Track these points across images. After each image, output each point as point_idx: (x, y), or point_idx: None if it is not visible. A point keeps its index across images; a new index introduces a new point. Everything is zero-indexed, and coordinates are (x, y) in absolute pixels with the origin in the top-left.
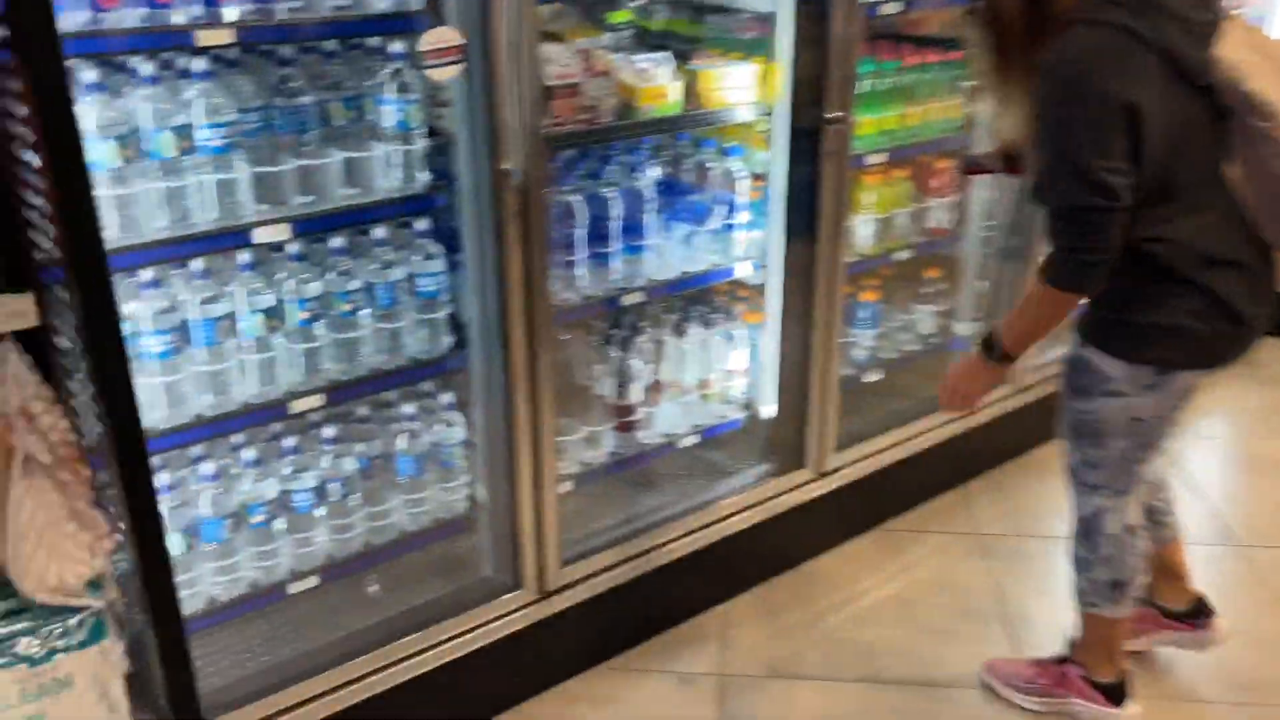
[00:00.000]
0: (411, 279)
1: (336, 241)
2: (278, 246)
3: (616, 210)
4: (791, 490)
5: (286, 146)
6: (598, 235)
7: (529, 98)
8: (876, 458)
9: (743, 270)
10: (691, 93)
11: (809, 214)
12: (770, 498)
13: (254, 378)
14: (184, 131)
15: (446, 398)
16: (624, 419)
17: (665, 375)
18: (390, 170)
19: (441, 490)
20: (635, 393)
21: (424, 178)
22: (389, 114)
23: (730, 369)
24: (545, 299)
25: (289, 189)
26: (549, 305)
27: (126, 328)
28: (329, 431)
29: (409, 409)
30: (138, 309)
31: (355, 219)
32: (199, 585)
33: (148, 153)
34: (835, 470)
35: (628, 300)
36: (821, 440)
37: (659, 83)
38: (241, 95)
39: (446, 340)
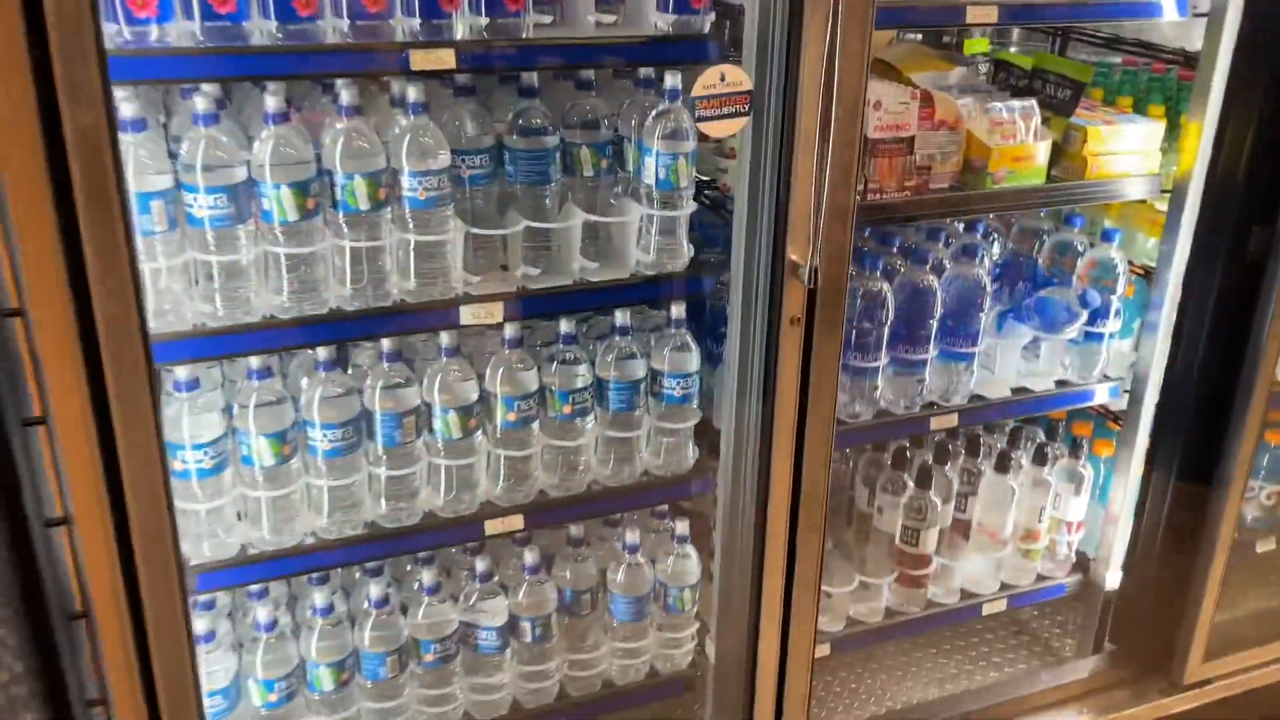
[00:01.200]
0: (656, 378)
1: (565, 326)
2: (488, 327)
3: (938, 303)
4: (1140, 704)
5: (512, 202)
6: (909, 334)
7: (841, 158)
8: (1269, 670)
9: (1103, 394)
10: (1064, 155)
11: (1225, 329)
12: (1108, 712)
13: (443, 487)
14: (379, 178)
15: (681, 526)
16: (912, 569)
17: (976, 518)
18: (646, 239)
19: (662, 639)
20: (931, 538)
21: (686, 252)
22: (651, 168)
23: (1065, 518)
24: (826, 413)
25: (512, 256)
26: (830, 421)
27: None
28: (530, 558)
29: (632, 537)
30: (307, 395)
31: (593, 300)
32: None
33: (336, 203)
34: (1206, 683)
35: (939, 422)
36: (1192, 634)
37: (1021, 140)
38: (462, 133)
39: (690, 455)
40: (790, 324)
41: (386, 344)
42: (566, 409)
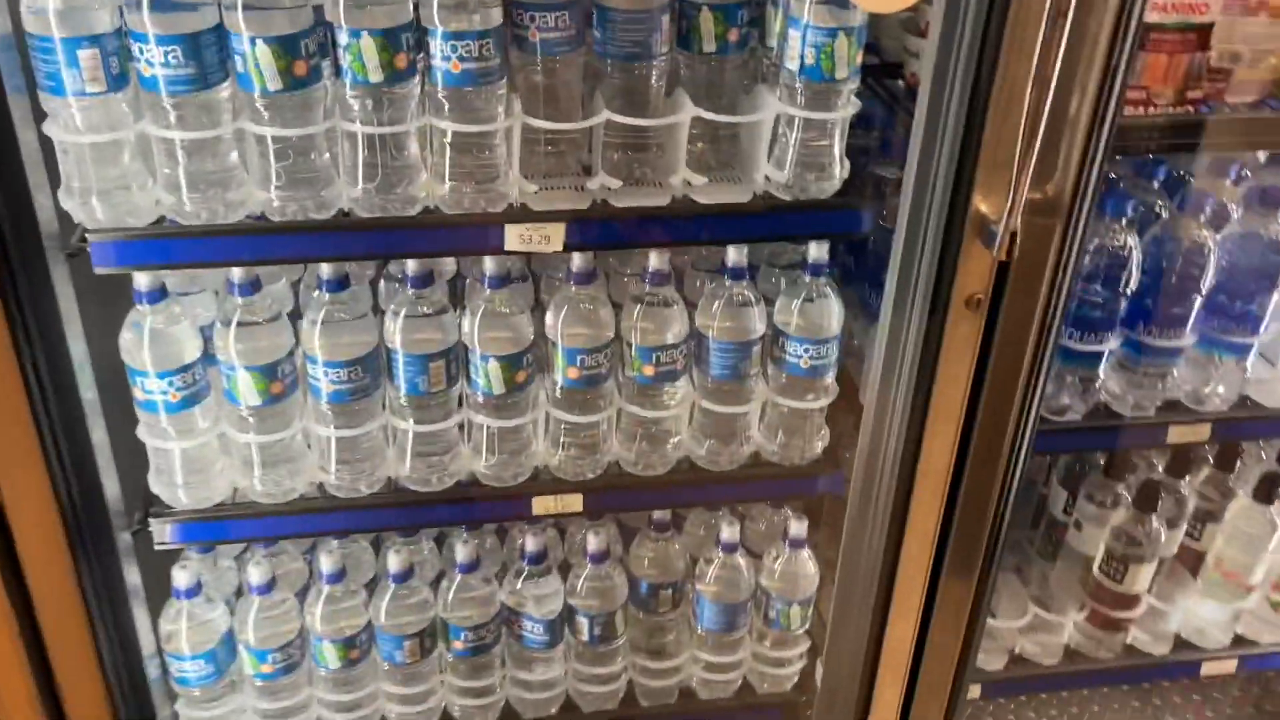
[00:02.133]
0: (779, 339)
1: (654, 260)
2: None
3: (1210, 269)
4: None
5: (598, 81)
6: (1157, 310)
7: (1085, 48)
8: None
9: None
10: None
11: None
12: None
13: (484, 449)
14: (400, 37)
15: (796, 525)
16: (1111, 609)
17: (1214, 552)
18: (781, 148)
19: (761, 655)
20: (1144, 575)
21: (838, 172)
22: (796, 46)
23: None
24: (1008, 405)
25: (593, 158)
26: (1015, 414)
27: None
28: (595, 543)
29: (729, 534)
30: (307, 321)
31: (695, 229)
32: None
33: (340, 70)
34: None
35: (1182, 433)
36: None
37: None
38: None
39: (818, 441)
40: (965, 305)
41: (412, 265)
42: (648, 369)
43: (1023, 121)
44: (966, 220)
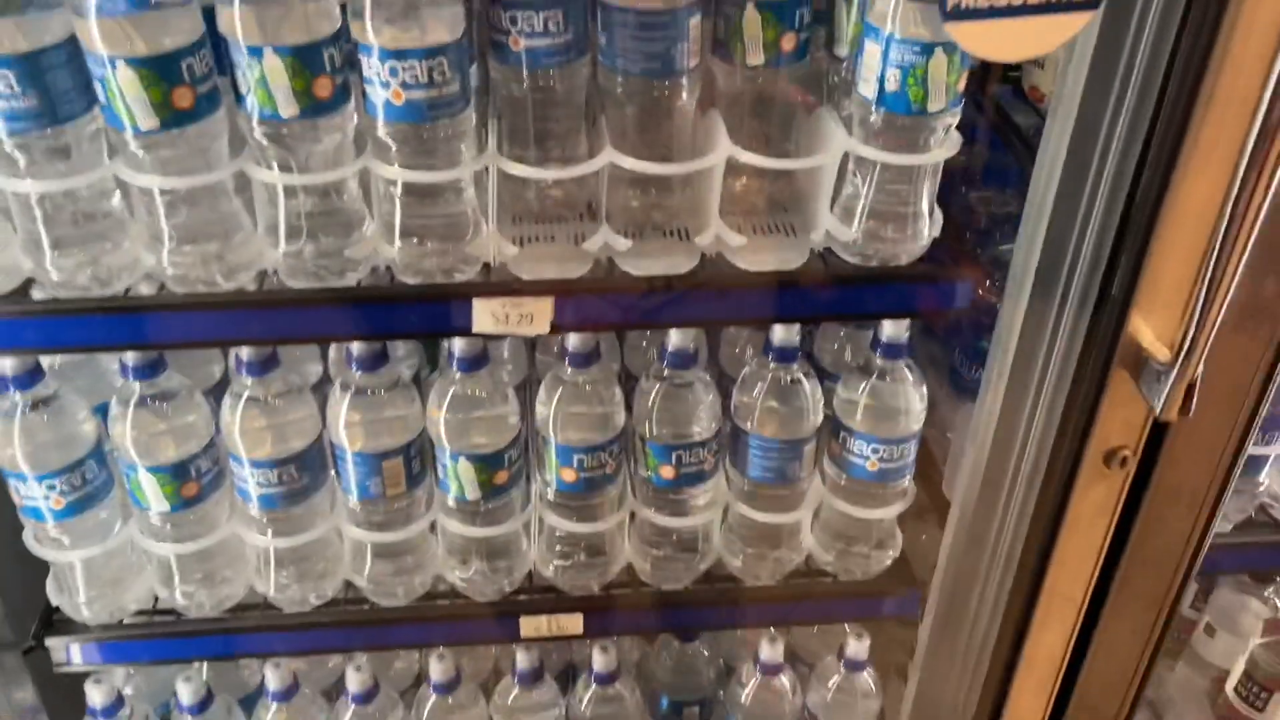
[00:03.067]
0: (839, 434)
1: (676, 338)
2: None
3: None
4: None
5: (606, 103)
6: None
7: None
8: None
9: None
10: None
11: None
12: None
13: (455, 560)
14: (319, 56)
15: (856, 645)
16: None
17: None
18: (850, 197)
19: None
20: None
21: (925, 231)
22: (875, 65)
23: None
24: (1153, 594)
25: (600, 207)
26: (1161, 607)
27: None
28: (601, 661)
29: (771, 652)
30: (225, 412)
31: (727, 306)
32: None
33: (240, 97)
34: None
35: None
36: None
37: None
38: None
39: (886, 552)
40: (1103, 462)
41: (357, 347)
42: (666, 470)
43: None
44: (1116, 347)
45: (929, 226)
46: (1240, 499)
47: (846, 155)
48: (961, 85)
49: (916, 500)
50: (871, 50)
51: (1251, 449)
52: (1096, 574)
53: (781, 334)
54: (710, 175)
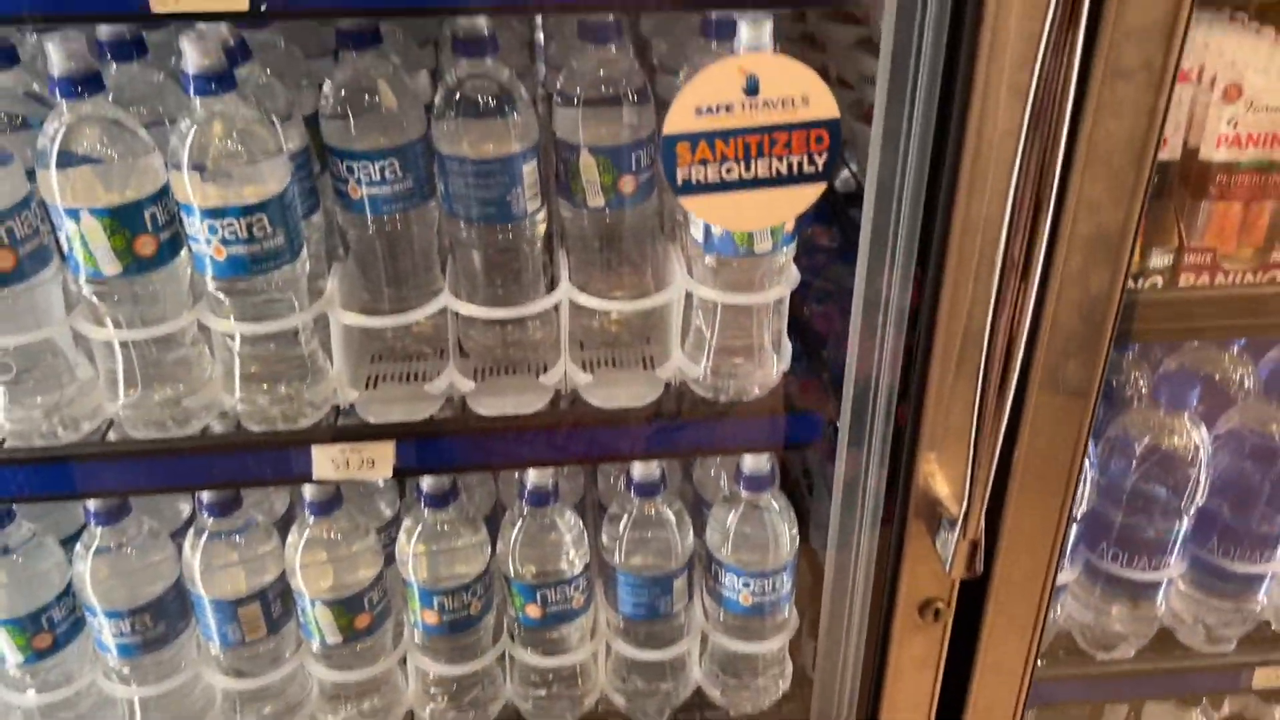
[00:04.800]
0: (711, 567)
1: (534, 477)
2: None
3: None
4: None
5: (455, 249)
6: (1239, 525)
7: (1103, 211)
8: None
9: None
10: None
11: None
12: None
13: (325, 702)
14: (138, 216)
15: None
16: None
17: None
18: (697, 336)
19: None
20: None
21: (773, 363)
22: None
23: None
24: (1012, 675)
25: (418, 345)
26: (1016, 683)
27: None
28: None
29: None
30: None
31: (577, 445)
32: None
33: (65, 256)
34: None
35: (1267, 677)
36: None
37: None
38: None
39: (776, 684)
40: (919, 613)
41: (207, 495)
42: (533, 610)
43: (984, 355)
44: (909, 498)
45: (777, 361)
46: (1139, 622)
47: (687, 298)
48: (790, 226)
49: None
50: None
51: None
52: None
53: (640, 470)
54: (556, 316)
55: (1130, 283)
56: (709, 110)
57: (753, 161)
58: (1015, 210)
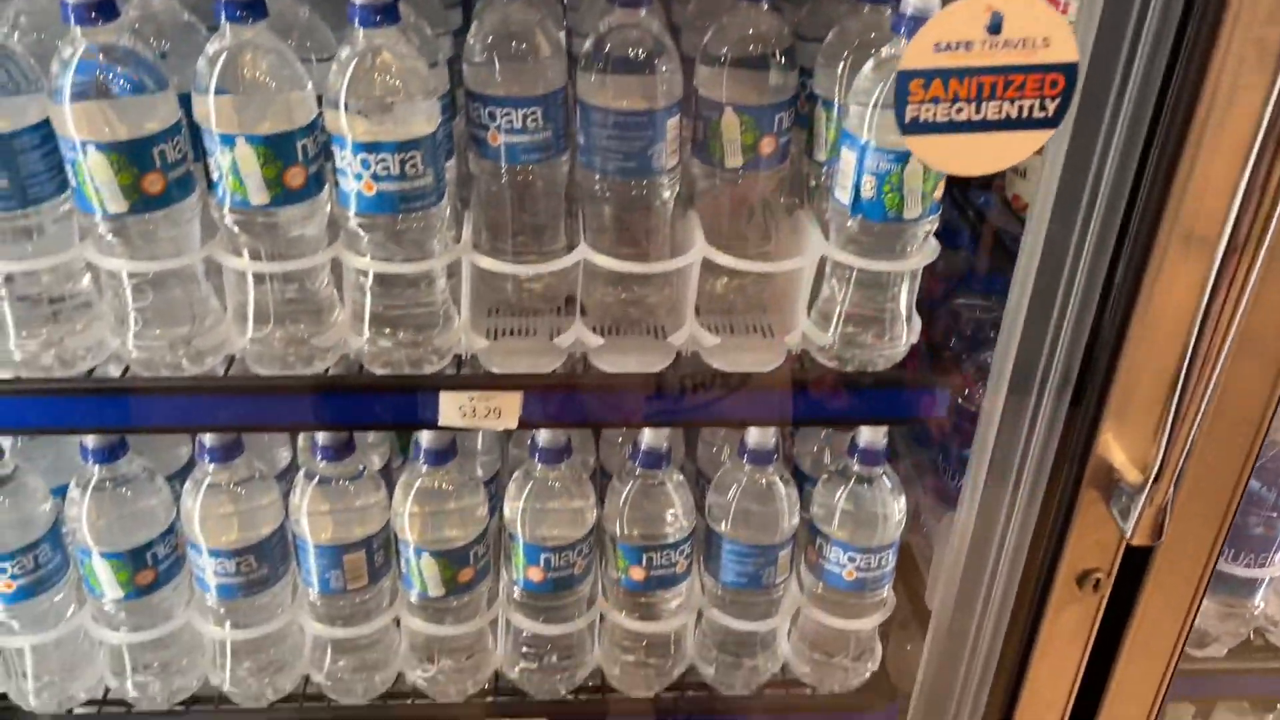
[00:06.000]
0: (815, 539)
1: (650, 437)
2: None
3: None
4: None
5: (586, 201)
6: None
7: None
8: None
9: None
10: None
11: None
12: None
13: (417, 659)
14: (290, 148)
15: None
16: None
17: None
18: (828, 301)
19: None
20: None
21: (904, 335)
22: (850, 172)
23: None
24: (1162, 652)
25: (546, 297)
26: (1166, 660)
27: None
28: None
29: None
30: (185, 499)
31: (695, 407)
32: None
33: (213, 184)
34: None
35: None
36: None
37: None
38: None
39: (865, 664)
40: (1077, 583)
41: (322, 436)
42: (637, 572)
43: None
44: (1085, 466)
45: (907, 332)
46: (1234, 622)
47: (824, 259)
48: (939, 193)
49: (900, 611)
50: (847, 157)
51: (1237, 569)
52: (1073, 699)
53: (756, 436)
54: (686, 275)
55: None
56: (948, 47)
57: (984, 103)
58: (1254, 177)
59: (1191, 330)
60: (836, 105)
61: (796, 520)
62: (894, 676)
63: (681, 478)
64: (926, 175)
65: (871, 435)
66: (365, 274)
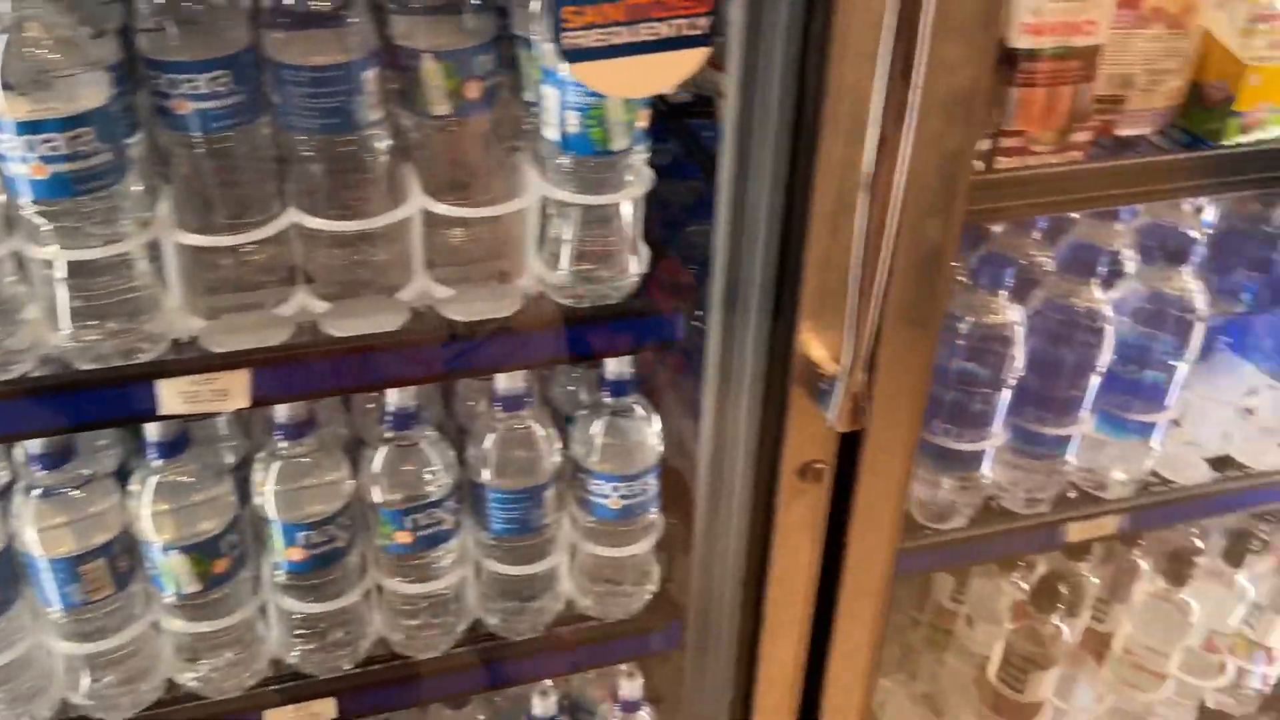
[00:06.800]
0: (578, 476)
1: (395, 398)
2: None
3: (1105, 343)
4: None
5: (292, 166)
6: (1046, 395)
7: (942, 95)
8: None
9: None
10: None
11: None
12: None
13: (178, 657)
14: None
15: (629, 687)
16: (1010, 719)
17: (1123, 640)
18: (553, 242)
19: None
20: (1047, 681)
21: (631, 265)
22: (554, 108)
23: (1264, 642)
24: (886, 528)
25: (264, 272)
26: (890, 535)
27: None
28: None
29: (541, 705)
30: None
31: (437, 360)
32: None
33: None
34: None
35: (1084, 530)
36: None
37: None
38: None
39: (644, 588)
40: (800, 476)
41: (36, 444)
42: (403, 536)
43: (863, 226)
44: (789, 363)
45: (636, 262)
46: (969, 492)
47: (544, 200)
48: (643, 123)
49: (678, 533)
50: (550, 95)
51: (960, 444)
52: (815, 585)
53: (505, 382)
54: (407, 228)
55: None
56: None
57: (637, 26)
58: (891, 71)
59: (860, 223)
60: (535, 47)
61: (557, 460)
62: (678, 596)
63: (437, 435)
64: (627, 106)
65: (617, 367)
66: (51, 265)
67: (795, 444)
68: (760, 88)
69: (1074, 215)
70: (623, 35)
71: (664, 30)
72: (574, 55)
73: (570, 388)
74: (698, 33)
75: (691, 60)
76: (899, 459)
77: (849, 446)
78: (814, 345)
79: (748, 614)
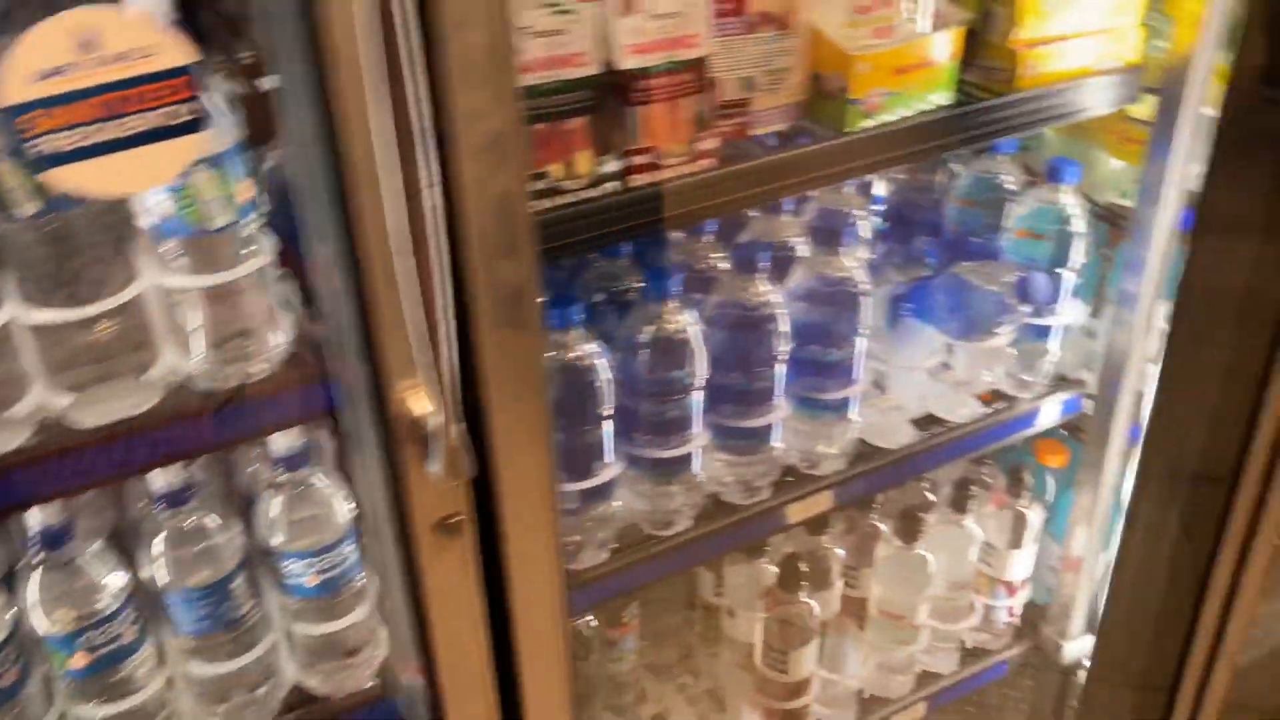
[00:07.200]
0: (271, 558)
1: (38, 517)
2: None
3: (780, 330)
4: None
5: None
6: (737, 386)
7: (479, 140)
8: None
9: (1054, 412)
10: (983, 49)
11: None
12: None
13: None
14: None
15: None
16: (783, 701)
17: (875, 600)
18: (179, 329)
19: None
20: (807, 656)
21: (271, 340)
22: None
23: (1001, 577)
24: (544, 565)
25: None
26: (551, 573)
27: None
28: None
29: None
30: None
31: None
32: None
33: None
34: None
35: (804, 509)
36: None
37: (905, 34)
38: None
39: (372, 655)
40: (438, 533)
41: None
42: (80, 660)
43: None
44: (388, 423)
45: (277, 335)
46: (689, 494)
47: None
48: (247, 195)
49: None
50: None
51: (667, 452)
52: (487, 637)
53: (160, 480)
54: (10, 337)
55: (591, 190)
56: (49, 75)
57: (114, 121)
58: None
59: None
60: None
61: (239, 546)
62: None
63: (97, 545)
64: (219, 181)
65: (285, 441)
66: None
67: (424, 501)
68: (303, 156)
69: (753, 214)
70: (103, 133)
71: (151, 121)
72: (48, 162)
73: (251, 469)
74: (191, 117)
75: (193, 147)
76: (539, 493)
77: (485, 495)
78: (415, 401)
79: (429, 680)
